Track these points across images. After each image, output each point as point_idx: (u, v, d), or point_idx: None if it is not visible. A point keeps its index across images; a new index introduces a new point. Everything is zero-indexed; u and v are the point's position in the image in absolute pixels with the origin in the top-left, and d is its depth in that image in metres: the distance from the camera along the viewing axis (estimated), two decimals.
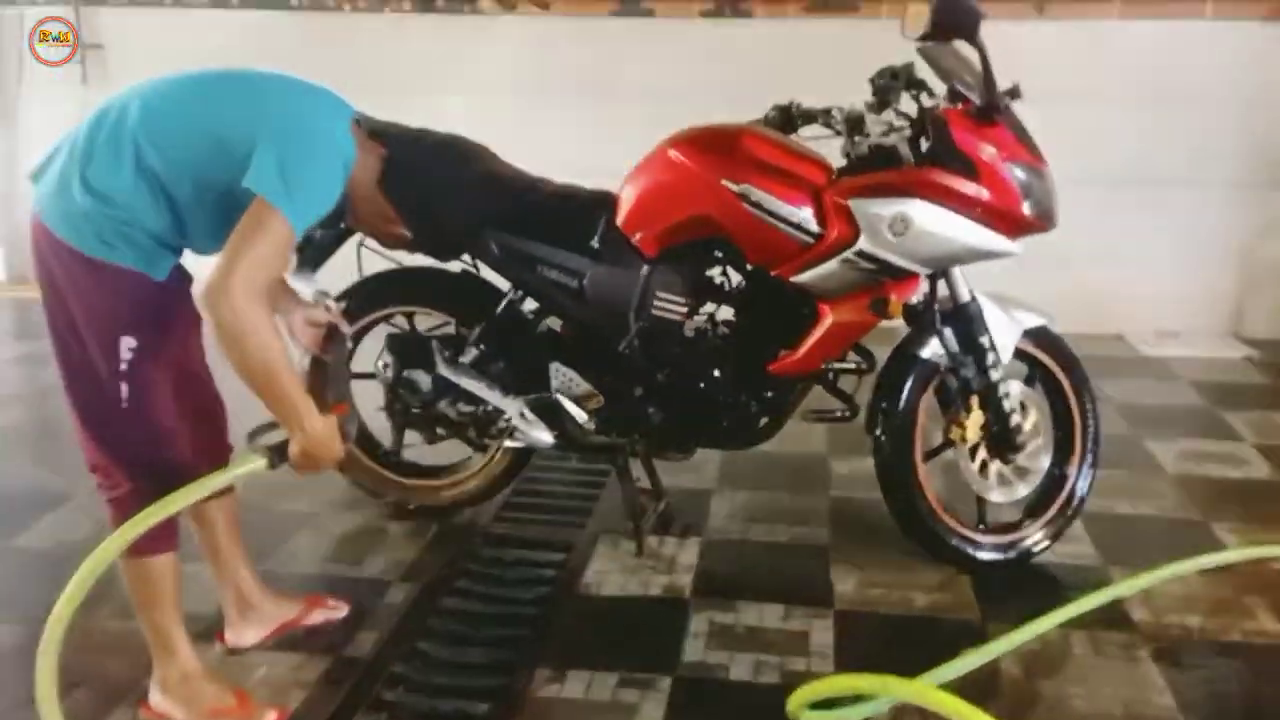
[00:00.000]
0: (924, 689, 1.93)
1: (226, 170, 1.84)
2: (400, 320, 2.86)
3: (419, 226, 2.29)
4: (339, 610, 2.45)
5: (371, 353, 2.78)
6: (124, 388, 1.91)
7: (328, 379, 2.29)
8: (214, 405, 2.21)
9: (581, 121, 4.88)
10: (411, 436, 2.85)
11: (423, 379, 2.66)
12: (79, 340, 1.90)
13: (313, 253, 2.68)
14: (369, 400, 2.87)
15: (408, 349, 2.71)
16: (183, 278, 2.02)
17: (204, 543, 2.31)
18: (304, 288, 2.42)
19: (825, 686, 1.99)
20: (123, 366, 1.90)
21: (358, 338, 2.85)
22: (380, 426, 2.90)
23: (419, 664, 2.28)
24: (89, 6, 5.17)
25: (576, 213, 2.59)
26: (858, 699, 2.04)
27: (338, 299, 2.79)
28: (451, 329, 2.80)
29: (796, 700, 1.99)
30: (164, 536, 2.00)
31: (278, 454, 1.91)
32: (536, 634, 2.39)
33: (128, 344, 1.90)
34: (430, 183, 2.32)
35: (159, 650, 2.09)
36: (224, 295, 1.75)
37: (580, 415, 2.64)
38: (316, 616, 2.42)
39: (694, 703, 2.15)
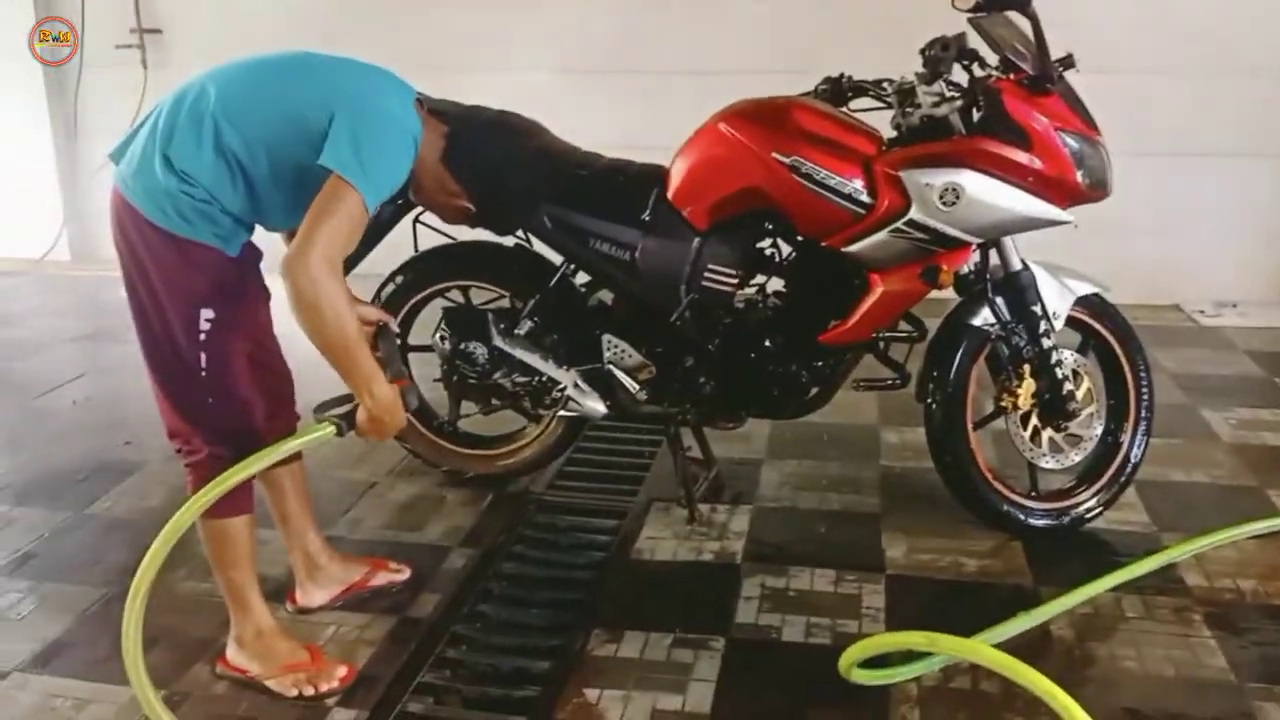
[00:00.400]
0: (975, 645, 1.96)
1: (302, 148, 1.91)
2: (456, 294, 2.92)
3: (481, 200, 2.34)
4: (402, 573, 2.54)
5: (429, 326, 2.85)
6: (203, 357, 2.00)
7: (384, 365, 2.35)
8: (283, 375, 2.29)
9: (630, 97, 4.91)
10: (467, 407, 2.92)
11: (479, 351, 2.73)
12: (160, 312, 1.99)
13: (371, 228, 2.74)
14: (426, 373, 2.96)
15: (464, 322, 2.77)
16: (254, 253, 2.11)
17: (274, 508, 2.40)
18: None
19: (875, 643, 2.04)
20: (202, 337, 1.99)
21: (415, 311, 2.92)
22: (437, 398, 2.98)
23: (479, 625, 2.36)
24: None
25: (628, 187, 2.63)
26: (909, 657, 2.08)
27: (395, 273, 2.87)
28: (506, 302, 2.86)
29: (848, 658, 2.03)
30: (240, 499, 2.08)
31: (346, 422, 1.99)
32: (591, 597, 2.46)
33: (206, 315, 1.99)
34: (490, 157, 2.37)
35: (236, 608, 2.18)
36: (303, 267, 1.82)
37: (632, 385, 2.69)
38: (380, 579, 2.51)
39: (748, 663, 2.20)
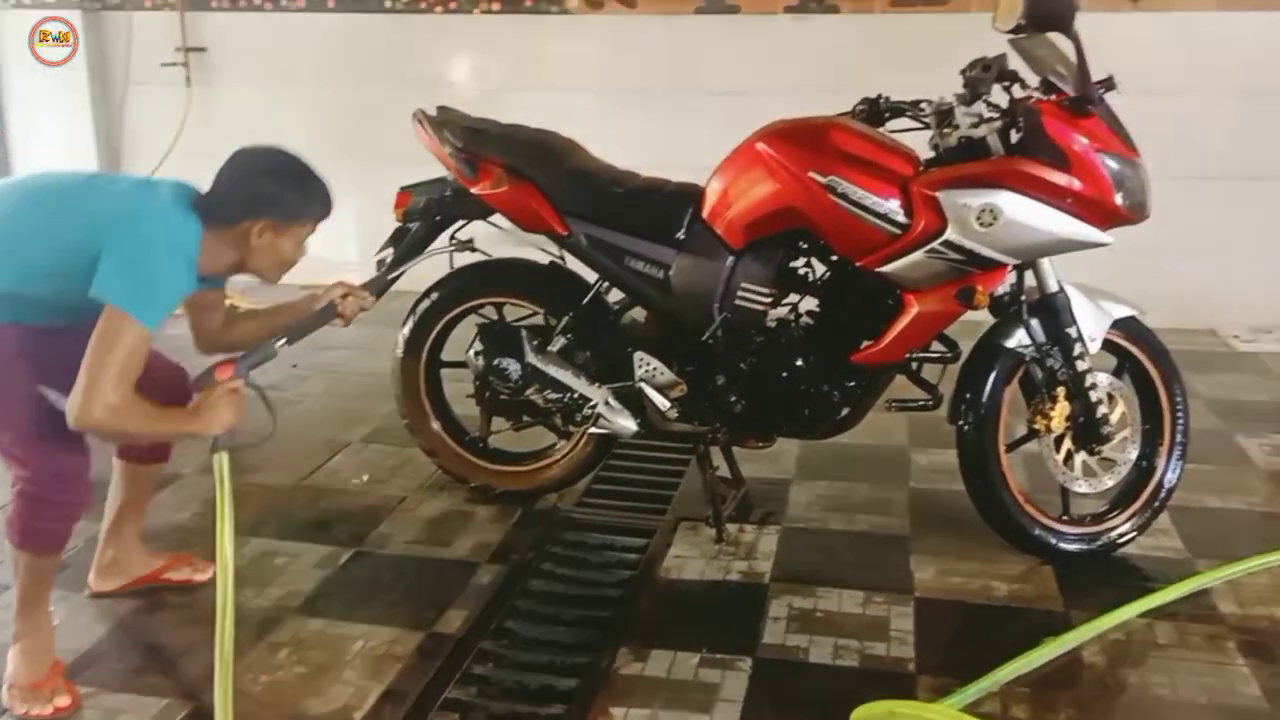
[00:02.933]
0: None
1: (77, 277, 1.95)
2: (490, 311, 2.94)
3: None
4: (204, 572, 2.55)
5: (463, 342, 2.87)
6: None
7: (302, 323, 2.39)
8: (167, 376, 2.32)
9: (667, 117, 4.94)
10: (498, 423, 2.93)
11: (512, 367, 2.74)
12: None
13: (413, 241, 2.78)
14: (460, 389, 2.98)
15: (498, 338, 2.79)
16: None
17: (118, 494, 2.46)
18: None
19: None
20: None
21: (450, 327, 2.95)
22: (468, 414, 3.00)
23: (507, 641, 2.36)
24: (193, 12, 5.36)
25: (663, 205, 2.64)
26: None
27: (430, 289, 2.89)
28: (540, 319, 2.88)
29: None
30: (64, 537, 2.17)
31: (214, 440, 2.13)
32: (619, 615, 2.45)
33: None
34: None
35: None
36: (96, 407, 1.91)
37: (663, 403, 2.69)
38: (180, 574, 2.55)
39: (774, 684, 2.19)
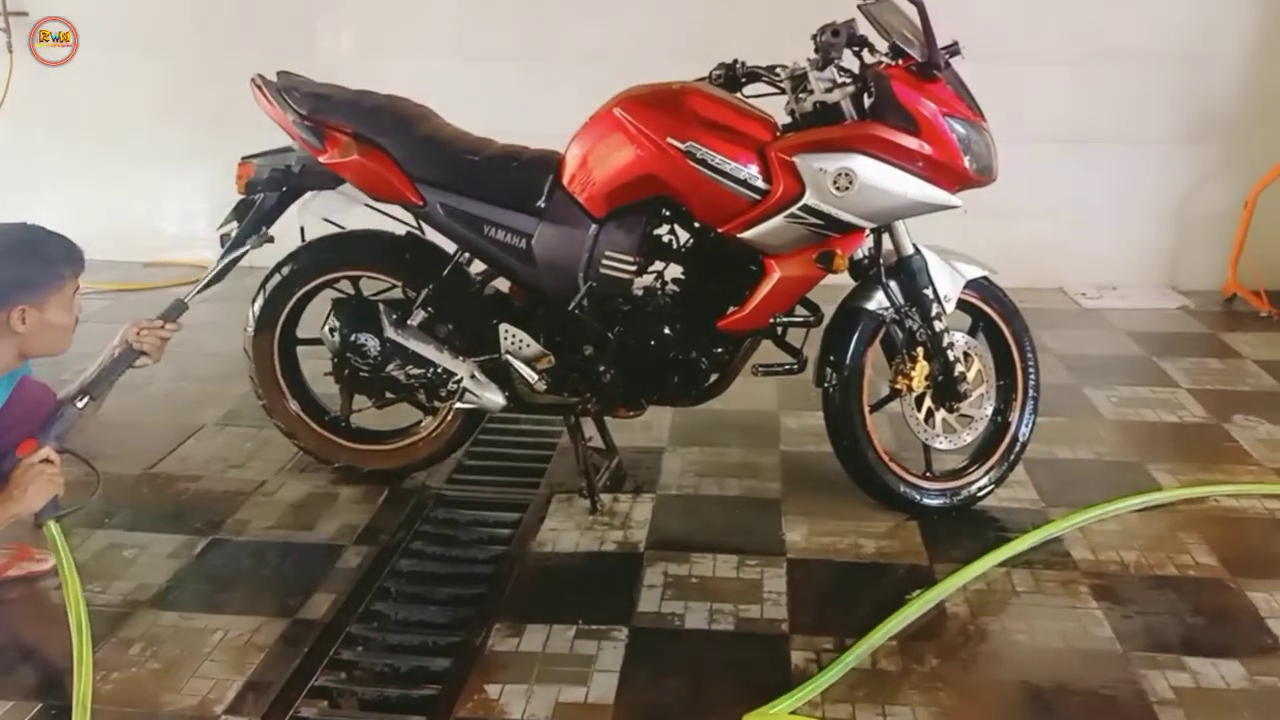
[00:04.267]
0: None
1: None
2: (346, 285, 2.83)
3: None
4: (44, 563, 2.44)
5: (318, 318, 2.76)
6: None
7: (101, 376, 2.36)
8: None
9: (524, 83, 4.85)
10: (360, 402, 2.84)
11: (371, 343, 2.65)
12: None
13: (258, 215, 2.66)
14: (317, 366, 2.88)
15: (354, 313, 2.69)
16: None
17: None
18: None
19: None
20: None
21: (303, 302, 2.84)
22: (328, 392, 2.90)
23: (376, 624, 2.29)
24: None
25: (522, 173, 2.59)
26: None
27: (281, 264, 2.78)
28: (398, 293, 2.79)
29: None
30: None
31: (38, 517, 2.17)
32: (493, 592, 2.41)
33: None
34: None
35: None
36: None
37: (531, 375, 2.65)
38: (20, 568, 2.44)
39: (651, 651, 2.19)
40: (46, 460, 2.15)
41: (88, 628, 2.03)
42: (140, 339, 2.38)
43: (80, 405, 2.27)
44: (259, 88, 2.65)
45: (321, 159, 2.58)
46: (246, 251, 2.66)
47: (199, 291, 2.64)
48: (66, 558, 2.12)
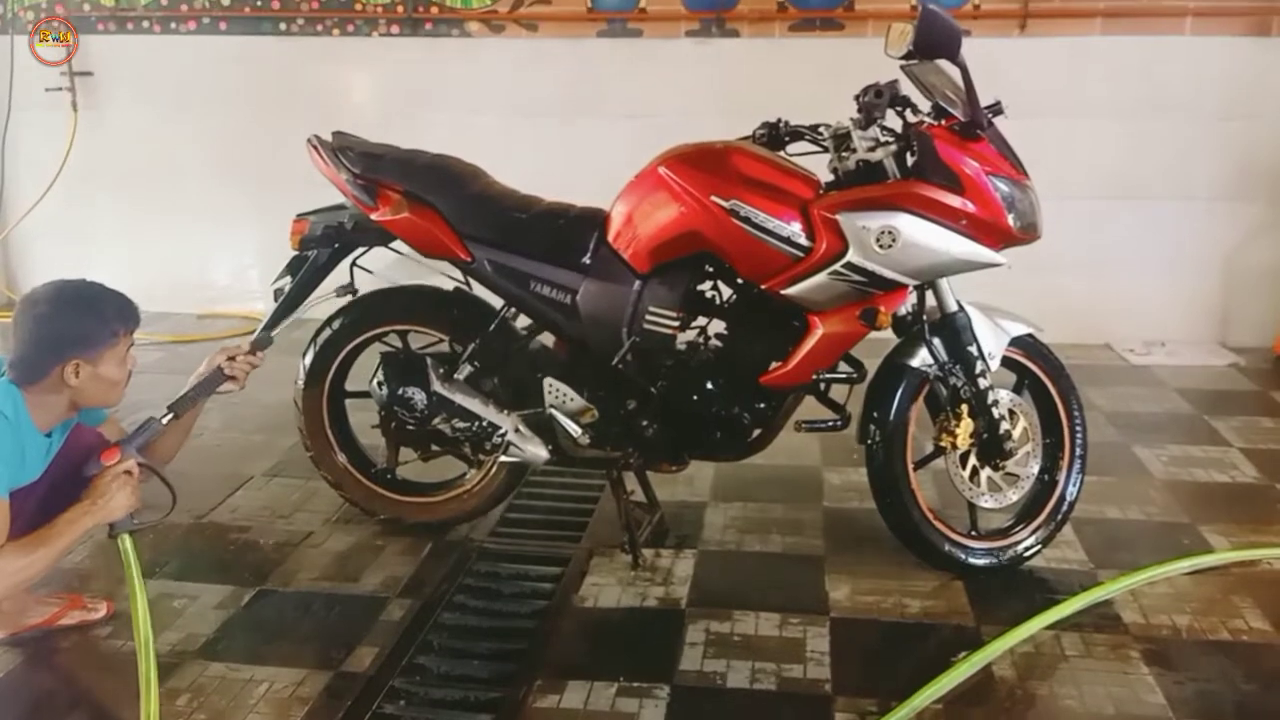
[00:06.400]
0: None
1: None
2: (394, 339, 2.88)
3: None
4: (97, 610, 2.49)
5: (367, 371, 2.81)
6: None
7: (188, 394, 2.45)
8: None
9: (570, 141, 4.93)
10: (406, 454, 2.87)
11: (418, 396, 2.69)
12: None
13: (310, 273, 2.72)
14: (364, 419, 2.91)
15: (402, 367, 2.73)
16: None
17: None
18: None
19: None
20: None
21: (353, 355, 2.89)
22: (375, 444, 2.93)
23: (418, 678, 2.30)
24: (80, 35, 5.18)
25: (568, 230, 2.63)
26: None
27: (332, 317, 2.83)
28: (445, 346, 2.83)
29: None
30: None
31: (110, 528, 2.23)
32: (534, 646, 2.41)
33: None
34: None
35: None
36: None
37: (574, 429, 2.67)
38: (73, 617, 2.47)
39: (692, 710, 2.17)
40: (127, 473, 2.18)
41: (153, 648, 2.07)
42: (231, 365, 2.45)
43: (165, 420, 2.35)
44: (315, 147, 2.72)
45: (374, 216, 2.65)
46: (323, 300, 2.76)
47: (276, 329, 2.72)
48: (137, 573, 2.15)
